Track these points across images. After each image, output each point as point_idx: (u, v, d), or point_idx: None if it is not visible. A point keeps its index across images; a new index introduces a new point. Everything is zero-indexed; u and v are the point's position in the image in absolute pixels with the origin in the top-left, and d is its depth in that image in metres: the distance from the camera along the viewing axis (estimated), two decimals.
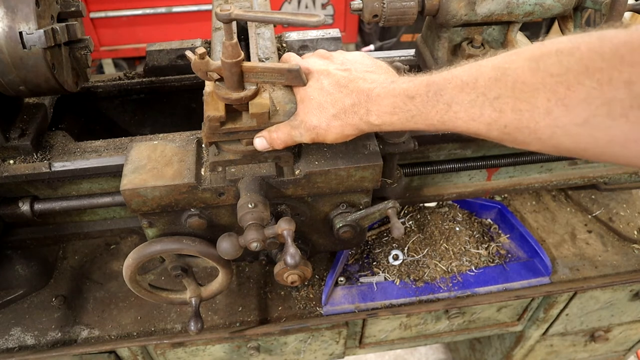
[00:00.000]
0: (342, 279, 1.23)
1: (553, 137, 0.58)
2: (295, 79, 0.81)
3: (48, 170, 0.99)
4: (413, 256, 1.26)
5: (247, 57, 0.95)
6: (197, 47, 0.76)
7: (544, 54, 0.57)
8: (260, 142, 0.84)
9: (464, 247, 1.28)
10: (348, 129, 0.79)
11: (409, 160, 1.19)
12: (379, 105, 0.75)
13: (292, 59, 0.88)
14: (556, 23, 1.14)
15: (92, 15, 3.39)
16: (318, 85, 0.81)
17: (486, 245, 1.29)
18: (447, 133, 1.11)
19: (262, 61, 0.98)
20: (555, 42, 0.57)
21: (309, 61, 0.86)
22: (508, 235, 1.32)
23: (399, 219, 1.02)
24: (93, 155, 1.02)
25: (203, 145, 0.93)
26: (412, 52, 1.34)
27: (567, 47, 0.55)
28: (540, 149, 0.62)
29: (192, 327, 0.99)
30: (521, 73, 0.59)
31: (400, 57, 1.35)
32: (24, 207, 1.04)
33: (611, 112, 0.51)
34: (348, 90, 0.78)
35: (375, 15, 1.03)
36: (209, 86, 0.82)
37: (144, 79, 1.27)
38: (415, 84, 0.72)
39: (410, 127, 0.74)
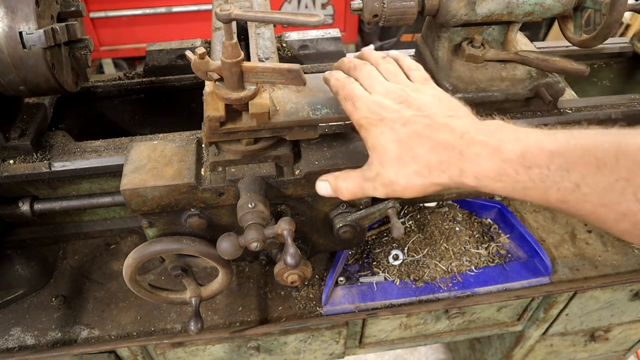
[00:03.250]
0: (342, 279, 1.23)
1: None
2: (295, 79, 0.81)
3: (48, 170, 0.99)
4: (413, 256, 1.26)
5: (247, 57, 0.95)
6: (197, 47, 0.76)
7: None
8: (324, 188, 0.77)
9: (464, 247, 1.28)
10: (432, 188, 0.69)
11: None
12: (479, 168, 0.63)
13: (350, 87, 0.76)
14: (556, 23, 1.15)
15: (92, 15, 3.38)
16: (393, 135, 0.69)
17: (486, 245, 1.29)
18: None
19: (262, 61, 0.98)
20: None
21: (381, 102, 0.72)
22: (508, 235, 1.32)
23: (399, 219, 1.02)
24: (93, 155, 1.02)
25: (203, 145, 0.93)
26: (412, 52, 1.34)
27: None
28: None
29: (192, 327, 0.99)
30: None
31: None
32: (24, 207, 1.04)
33: None
34: (433, 144, 0.67)
35: (375, 15, 1.03)
36: (209, 86, 0.82)
37: (144, 79, 1.27)
38: (532, 148, 0.60)
39: (517, 198, 0.63)
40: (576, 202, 0.57)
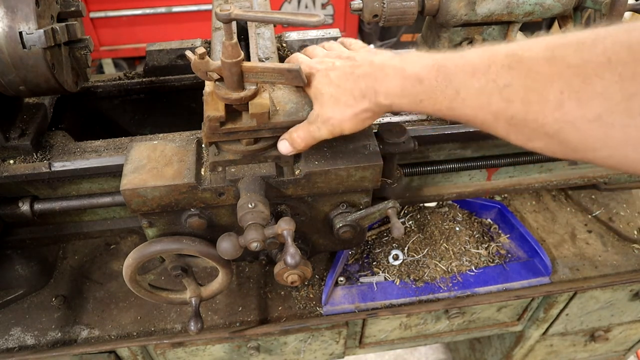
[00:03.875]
0: (342, 279, 1.23)
1: (560, 132, 0.55)
2: (295, 79, 0.81)
3: (48, 170, 0.99)
4: (413, 256, 1.26)
5: (247, 57, 0.95)
6: (197, 47, 0.76)
7: (564, 44, 0.55)
8: (284, 146, 0.84)
9: (464, 247, 1.28)
10: (361, 115, 0.78)
11: (409, 160, 1.19)
12: (386, 87, 0.73)
13: (298, 59, 0.89)
14: (556, 23, 1.14)
15: (92, 15, 3.38)
16: (326, 80, 0.80)
17: (486, 245, 1.29)
18: (448, 131, 1.11)
19: (262, 61, 0.98)
20: (578, 33, 0.54)
21: (319, 60, 0.86)
22: (508, 235, 1.32)
23: (399, 219, 1.02)
24: (93, 155, 1.02)
25: (203, 145, 0.93)
26: (412, 52, 1.34)
27: (589, 38, 0.53)
28: (545, 147, 0.59)
29: (192, 327, 0.99)
30: (536, 62, 0.56)
31: None
32: (24, 207, 1.04)
33: (630, 109, 0.49)
34: (355, 77, 0.77)
35: (375, 15, 1.03)
36: (209, 86, 0.82)
37: (144, 79, 1.27)
38: (425, 66, 0.69)
39: (419, 111, 0.73)
40: (460, 108, 0.65)
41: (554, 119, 0.55)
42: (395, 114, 1.08)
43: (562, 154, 0.59)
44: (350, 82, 0.78)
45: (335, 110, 0.79)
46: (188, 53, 0.77)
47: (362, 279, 1.23)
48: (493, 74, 0.60)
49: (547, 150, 0.59)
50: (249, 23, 1.05)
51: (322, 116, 0.80)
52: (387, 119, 1.11)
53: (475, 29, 1.13)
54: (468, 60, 0.64)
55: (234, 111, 0.81)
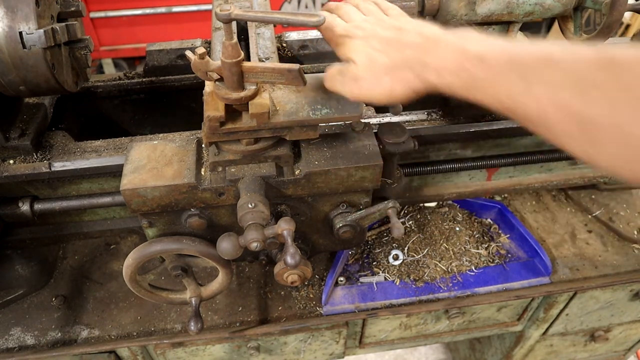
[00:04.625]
0: (342, 279, 1.23)
1: None
2: (295, 79, 0.80)
3: (48, 170, 0.99)
4: (413, 256, 1.26)
5: (247, 57, 0.95)
6: (197, 47, 0.76)
7: None
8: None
9: (464, 247, 1.28)
10: (398, 86, 0.70)
11: (409, 160, 1.19)
12: (440, 59, 0.65)
13: (333, 22, 0.79)
14: (556, 23, 1.15)
15: (92, 15, 3.38)
16: (366, 44, 0.73)
17: (486, 245, 1.29)
18: (448, 131, 1.11)
19: (262, 61, 0.98)
20: None
21: (358, 24, 0.77)
22: (508, 235, 1.32)
23: (399, 219, 1.02)
24: (93, 155, 1.02)
25: (203, 145, 0.93)
26: None
27: None
28: (614, 162, 0.52)
29: (192, 327, 0.99)
30: (634, 64, 0.50)
31: None
32: (24, 207, 1.04)
33: None
34: (401, 45, 0.70)
35: None
36: (209, 86, 0.82)
37: (144, 79, 1.27)
38: (493, 48, 0.61)
39: (470, 97, 0.63)
40: (525, 102, 0.57)
41: None
42: (395, 114, 1.08)
43: (632, 175, 0.52)
44: (394, 50, 0.70)
45: (368, 73, 0.72)
46: (188, 53, 0.77)
47: (362, 279, 1.23)
48: (579, 70, 0.53)
49: (615, 165, 0.53)
50: (249, 23, 1.05)
51: (352, 72, 0.74)
52: (387, 119, 1.11)
53: (475, 29, 1.13)
54: (548, 53, 0.57)
55: (234, 111, 0.81)
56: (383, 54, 0.71)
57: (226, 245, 0.83)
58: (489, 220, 1.36)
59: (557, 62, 0.55)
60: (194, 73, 0.77)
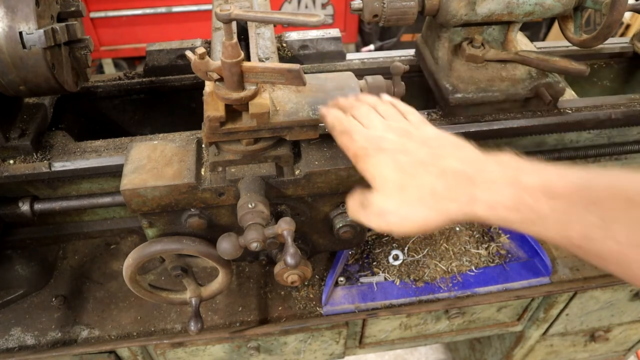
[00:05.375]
0: (342, 279, 1.23)
1: None
2: (295, 79, 0.80)
3: (48, 170, 0.99)
4: (413, 256, 1.26)
5: (247, 57, 0.95)
6: (197, 47, 0.76)
7: None
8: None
9: (464, 247, 1.28)
10: (435, 218, 0.62)
11: None
12: (493, 195, 0.58)
13: (351, 129, 0.72)
14: (556, 23, 1.14)
15: (92, 15, 3.38)
16: (394, 163, 0.64)
17: (486, 245, 1.29)
18: (448, 131, 1.11)
19: (262, 61, 0.98)
20: None
21: (381, 135, 0.69)
22: (508, 235, 1.32)
23: None
24: (93, 155, 1.02)
25: (203, 145, 0.93)
26: (412, 52, 1.34)
27: None
28: None
29: (192, 327, 0.99)
30: None
31: (400, 57, 1.35)
32: (24, 207, 1.04)
33: None
34: (438, 170, 0.62)
35: (376, 15, 1.03)
36: (209, 86, 0.82)
37: (144, 79, 1.27)
38: (554, 178, 0.55)
39: (529, 232, 0.57)
40: (602, 239, 0.51)
41: None
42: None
43: None
44: (431, 175, 0.62)
45: (399, 205, 0.63)
46: (188, 53, 0.77)
47: (362, 279, 1.23)
48: None
49: None
50: (249, 23, 1.05)
51: (377, 206, 0.65)
52: None
53: (475, 29, 1.13)
54: (620, 187, 0.52)
55: (234, 111, 0.81)
56: (416, 180, 0.62)
57: (226, 245, 0.83)
58: None
59: (632, 199, 0.50)
60: (194, 73, 0.77)
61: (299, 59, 1.28)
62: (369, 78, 0.90)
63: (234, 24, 0.91)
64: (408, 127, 0.71)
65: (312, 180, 0.89)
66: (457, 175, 0.61)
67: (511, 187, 0.57)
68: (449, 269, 1.24)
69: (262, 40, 1.04)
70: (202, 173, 0.89)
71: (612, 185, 0.53)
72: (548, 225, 0.55)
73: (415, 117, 0.75)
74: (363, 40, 3.96)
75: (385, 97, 0.81)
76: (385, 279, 1.23)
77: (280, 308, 1.20)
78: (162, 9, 3.43)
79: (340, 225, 0.97)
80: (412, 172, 0.63)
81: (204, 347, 1.24)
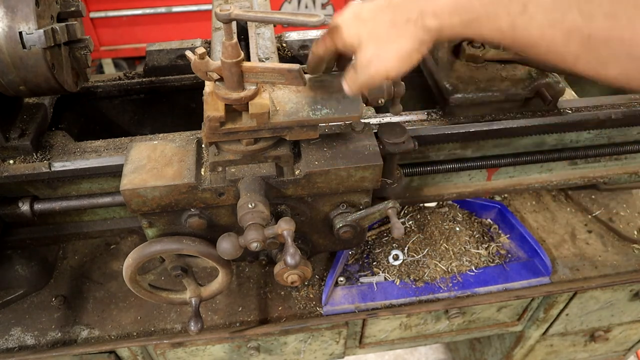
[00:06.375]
0: (342, 279, 1.23)
1: None
2: (295, 79, 0.80)
3: (48, 170, 0.99)
4: (413, 256, 1.26)
5: (247, 57, 0.95)
6: (197, 47, 0.76)
7: None
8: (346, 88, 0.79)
9: (464, 247, 1.28)
10: (406, 44, 0.68)
11: (409, 160, 1.19)
12: (435, 4, 0.65)
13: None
14: None
15: (92, 15, 3.38)
16: (358, 22, 0.72)
17: (486, 245, 1.29)
18: (448, 131, 1.11)
19: (262, 61, 0.98)
20: None
21: (348, 10, 0.76)
22: (508, 235, 1.32)
23: (399, 219, 1.02)
24: (93, 155, 1.02)
25: (203, 145, 0.93)
26: None
27: None
28: (621, 75, 0.52)
29: (192, 327, 0.99)
30: None
31: None
32: (24, 207, 1.04)
33: None
34: (392, 7, 0.69)
35: None
36: (209, 86, 0.82)
37: (144, 79, 1.27)
38: None
39: (472, 34, 0.64)
40: (525, 26, 0.58)
41: None
42: (395, 114, 1.07)
43: (637, 87, 0.53)
44: (387, 13, 0.69)
45: (376, 50, 0.70)
46: (188, 53, 0.77)
47: (362, 279, 1.23)
48: None
49: (622, 78, 0.53)
50: (249, 23, 1.05)
51: (361, 61, 0.72)
52: (387, 119, 1.11)
53: None
54: None
55: (234, 111, 0.81)
56: (379, 24, 0.70)
57: (226, 245, 0.83)
58: (489, 220, 1.36)
59: None
60: (194, 73, 0.77)
61: (299, 59, 1.28)
62: None
63: (234, 24, 0.91)
64: None
65: (312, 180, 0.89)
66: (408, 1, 0.68)
67: None
68: (449, 269, 1.24)
69: (262, 40, 1.04)
70: (202, 173, 0.89)
71: None
72: (482, 22, 0.62)
73: None
74: None
75: None
76: (385, 279, 1.23)
77: (280, 308, 1.20)
78: (162, 9, 3.43)
79: (340, 225, 0.97)
80: (372, 18, 0.70)
81: (204, 347, 1.24)
